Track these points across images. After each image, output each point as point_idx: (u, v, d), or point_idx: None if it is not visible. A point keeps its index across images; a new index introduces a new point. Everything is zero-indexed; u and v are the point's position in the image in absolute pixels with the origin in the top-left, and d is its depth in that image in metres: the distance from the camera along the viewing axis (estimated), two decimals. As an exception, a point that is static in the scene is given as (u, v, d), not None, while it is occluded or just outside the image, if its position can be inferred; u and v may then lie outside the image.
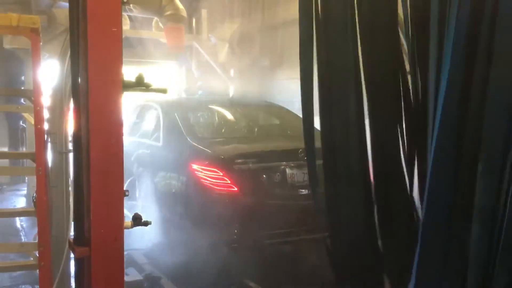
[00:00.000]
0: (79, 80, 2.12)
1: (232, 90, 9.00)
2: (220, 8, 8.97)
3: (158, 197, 4.97)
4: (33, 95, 2.78)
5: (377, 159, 2.30)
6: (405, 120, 2.31)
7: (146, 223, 2.39)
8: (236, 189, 4.28)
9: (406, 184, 2.25)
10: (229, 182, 4.27)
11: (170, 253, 4.58)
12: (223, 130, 5.49)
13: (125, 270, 4.52)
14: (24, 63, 6.87)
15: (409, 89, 2.27)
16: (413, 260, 1.90)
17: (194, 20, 8.92)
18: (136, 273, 4.41)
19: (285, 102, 8.33)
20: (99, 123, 2.08)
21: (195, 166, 4.39)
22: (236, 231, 4.30)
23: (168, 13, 6.94)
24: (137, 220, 2.36)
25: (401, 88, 2.29)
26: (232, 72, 8.87)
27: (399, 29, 2.37)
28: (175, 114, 5.18)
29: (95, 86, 2.06)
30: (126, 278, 4.01)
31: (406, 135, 2.28)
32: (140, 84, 2.27)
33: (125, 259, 4.78)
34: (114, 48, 2.08)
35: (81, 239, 2.14)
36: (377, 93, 2.25)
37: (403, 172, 2.25)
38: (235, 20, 8.75)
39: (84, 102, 2.10)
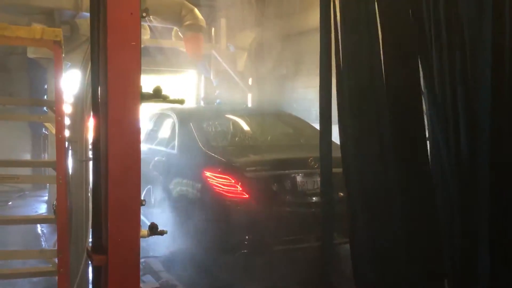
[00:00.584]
0: (99, 91, 2.18)
1: (250, 98, 9.05)
2: (239, 17, 9.05)
3: (173, 204, 5.05)
4: (54, 105, 2.84)
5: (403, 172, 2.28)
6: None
7: (162, 232, 2.42)
8: (247, 196, 4.35)
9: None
10: (240, 189, 4.35)
11: (184, 260, 4.64)
12: (236, 138, 5.57)
13: (142, 278, 4.60)
14: (47, 71, 7.03)
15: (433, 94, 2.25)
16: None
17: (213, 29, 9.01)
18: (153, 280, 4.45)
19: (302, 110, 8.35)
20: (117, 134, 2.13)
21: (208, 174, 4.48)
22: (247, 237, 4.38)
23: (187, 22, 7.05)
24: (154, 230, 2.39)
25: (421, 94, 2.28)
26: (250, 80, 8.91)
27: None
28: (190, 122, 5.30)
29: (114, 97, 2.11)
30: (142, 286, 4.07)
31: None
32: (157, 96, 2.31)
33: (142, 266, 4.86)
34: (133, 61, 2.13)
35: (98, 248, 2.18)
36: (398, 101, 2.25)
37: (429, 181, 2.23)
38: (254, 29, 8.81)
39: (103, 113, 2.15)
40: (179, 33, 7.56)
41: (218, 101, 9.78)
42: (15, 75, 8.51)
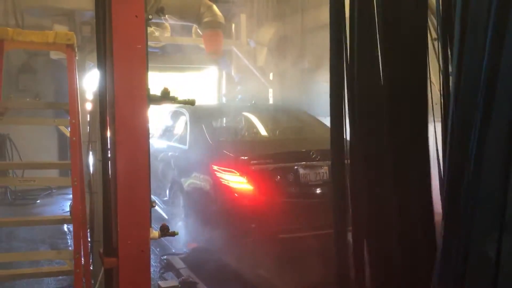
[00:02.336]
0: (106, 95, 2.19)
1: (271, 93, 9.01)
2: (259, 12, 9.01)
3: (185, 196, 5.30)
4: (68, 108, 2.88)
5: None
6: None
7: (173, 234, 2.42)
8: (252, 187, 4.62)
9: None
10: (245, 181, 4.62)
11: (205, 257, 4.72)
12: (245, 133, 5.89)
13: (164, 275, 4.65)
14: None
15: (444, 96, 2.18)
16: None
17: (233, 25, 8.98)
18: (174, 278, 4.49)
19: (324, 104, 8.25)
20: (125, 137, 2.14)
21: (215, 167, 4.76)
22: (252, 226, 4.62)
23: (206, 19, 7.04)
24: (165, 231, 2.40)
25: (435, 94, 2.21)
26: (271, 75, 8.87)
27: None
28: (201, 119, 5.61)
29: (121, 100, 2.12)
30: (162, 284, 4.12)
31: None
32: (165, 98, 2.31)
33: (163, 264, 4.89)
34: (139, 64, 2.13)
35: (109, 250, 2.20)
36: (402, 102, 2.18)
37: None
38: (274, 23, 8.75)
39: (111, 116, 2.16)
40: (198, 30, 7.57)
41: (239, 96, 9.79)
42: (40, 76, 8.72)
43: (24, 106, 4.43)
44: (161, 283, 4.11)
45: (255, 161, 4.72)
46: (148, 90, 2.23)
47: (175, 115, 6.36)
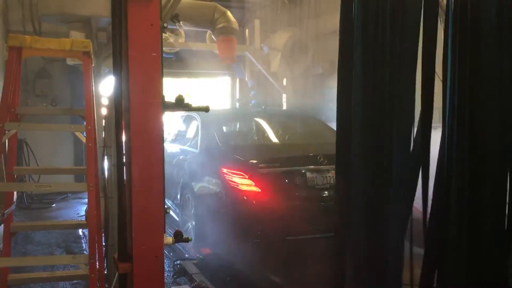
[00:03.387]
0: (122, 101, 2.21)
1: (285, 98, 9.01)
2: (273, 18, 9.03)
3: (195, 199, 5.40)
4: (84, 114, 2.92)
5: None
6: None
7: (187, 240, 2.44)
8: (260, 190, 4.73)
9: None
10: (253, 184, 4.72)
11: (218, 262, 4.74)
12: (255, 138, 6.02)
13: (177, 280, 4.67)
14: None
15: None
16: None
17: (247, 31, 9.02)
18: (187, 283, 4.50)
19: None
20: (140, 144, 2.16)
21: (224, 170, 4.89)
22: (260, 227, 4.70)
23: (220, 25, 7.08)
24: (178, 237, 2.41)
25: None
26: (284, 81, 8.88)
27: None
28: (211, 124, 5.73)
29: (136, 108, 2.14)
30: (176, 289, 4.13)
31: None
32: (180, 105, 2.33)
33: (177, 269, 4.90)
34: (154, 71, 2.15)
35: (124, 256, 2.22)
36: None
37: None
38: (287, 29, 8.76)
39: (126, 123, 2.19)
40: (212, 36, 7.61)
41: (253, 101, 9.81)
42: (57, 81, 8.84)
43: (41, 112, 4.51)
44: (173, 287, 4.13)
45: (263, 165, 4.83)
46: (163, 97, 2.25)
47: (187, 119, 6.48)
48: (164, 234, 2.32)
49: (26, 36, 2.87)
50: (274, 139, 5.99)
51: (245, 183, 4.74)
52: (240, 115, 6.76)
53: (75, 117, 7.51)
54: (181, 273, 4.80)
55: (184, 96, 2.37)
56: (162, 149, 2.26)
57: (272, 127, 6.13)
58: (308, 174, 4.90)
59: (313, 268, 4.28)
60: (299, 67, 8.69)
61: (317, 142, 5.81)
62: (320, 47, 8.85)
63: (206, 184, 5.27)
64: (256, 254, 4.68)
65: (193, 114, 6.16)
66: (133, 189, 2.16)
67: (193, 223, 5.43)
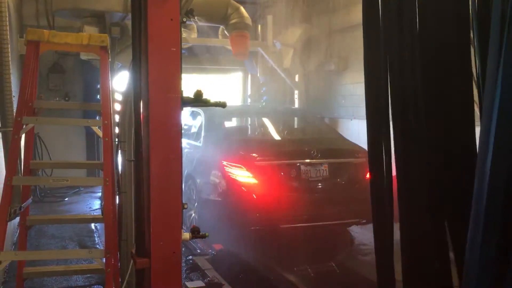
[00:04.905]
0: (141, 97, 2.20)
1: (297, 95, 8.99)
2: (285, 13, 8.99)
3: (198, 189, 5.75)
4: (101, 109, 2.91)
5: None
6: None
7: (204, 236, 2.43)
8: (257, 181, 5.07)
9: None
10: (251, 175, 5.05)
11: (231, 258, 4.82)
12: (255, 133, 6.47)
13: (190, 275, 4.68)
14: (99, 72, 7.26)
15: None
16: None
17: (259, 26, 8.99)
18: (199, 278, 4.50)
19: (351, 106, 8.20)
20: (159, 139, 2.15)
21: (224, 163, 5.24)
22: (256, 215, 5.02)
23: (233, 21, 7.06)
24: (195, 233, 2.41)
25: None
26: (297, 77, 8.84)
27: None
28: (214, 118, 6.09)
29: (155, 103, 2.13)
30: (189, 284, 4.14)
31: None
32: (198, 100, 2.32)
33: (189, 265, 4.91)
34: (173, 66, 2.14)
35: (142, 251, 2.22)
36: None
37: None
38: (300, 25, 8.71)
39: (144, 118, 2.18)
40: (225, 31, 7.59)
41: (264, 97, 9.80)
42: (70, 75, 8.88)
43: (59, 106, 4.52)
44: (187, 283, 4.14)
45: (260, 158, 5.15)
46: (181, 92, 2.24)
47: (192, 114, 6.72)
48: (181, 230, 2.31)
49: (44, 30, 2.88)
50: (272, 134, 6.41)
51: (243, 175, 5.08)
52: (242, 111, 7.13)
53: (87, 111, 7.58)
54: (193, 268, 4.81)
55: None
56: (180, 145, 2.25)
57: (272, 123, 6.53)
58: (302, 167, 5.20)
59: (305, 254, 4.70)
60: (311, 63, 8.65)
61: (313, 138, 6.20)
62: (333, 44, 8.81)
63: (208, 176, 5.56)
64: (253, 240, 5.08)
65: (198, 109, 6.40)
66: (151, 184, 2.16)
67: (196, 212, 5.70)
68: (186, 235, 2.38)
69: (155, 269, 2.17)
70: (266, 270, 4.62)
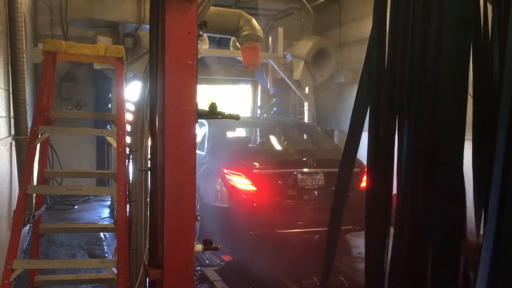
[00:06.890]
0: (156, 109, 2.23)
1: (306, 107, 8.99)
2: (296, 26, 9.03)
3: (200, 196, 5.87)
4: (116, 119, 2.94)
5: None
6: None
7: (216, 248, 2.44)
8: (255, 189, 5.32)
9: None
10: (250, 183, 5.31)
11: (239, 269, 4.79)
12: (255, 143, 6.81)
13: (199, 286, 4.66)
14: (112, 81, 7.33)
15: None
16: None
17: (270, 38, 9.04)
18: (208, 289, 4.49)
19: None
20: (174, 151, 2.17)
21: (225, 171, 5.47)
22: (254, 221, 5.23)
23: (245, 33, 7.11)
24: (208, 245, 2.42)
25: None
26: (307, 89, 8.86)
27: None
28: (217, 129, 6.34)
29: (171, 115, 2.16)
30: (197, 296, 4.12)
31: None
32: (213, 113, 2.34)
33: (198, 276, 4.89)
34: (189, 79, 2.17)
35: (154, 262, 2.23)
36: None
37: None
38: (311, 37, 8.75)
39: (160, 130, 2.20)
40: (236, 43, 7.64)
41: (274, 108, 9.82)
42: (82, 84, 8.96)
43: (74, 116, 4.56)
44: (196, 294, 4.12)
45: (259, 166, 5.44)
46: (196, 104, 2.26)
47: (197, 124, 6.88)
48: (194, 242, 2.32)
49: (62, 41, 2.92)
50: (271, 144, 6.83)
51: (242, 182, 5.34)
52: (244, 122, 7.44)
53: (98, 120, 7.63)
54: (202, 279, 4.79)
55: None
56: (194, 156, 2.27)
57: (271, 134, 6.93)
58: (299, 176, 5.46)
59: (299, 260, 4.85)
60: (322, 76, 8.66)
61: (310, 148, 6.59)
62: (343, 56, 8.83)
63: (210, 183, 5.79)
64: (251, 244, 5.29)
65: (203, 120, 6.47)
66: (165, 195, 2.18)
67: (198, 218, 5.93)
68: (198, 246, 2.39)
69: (168, 281, 2.17)
70: (275, 283, 4.60)
